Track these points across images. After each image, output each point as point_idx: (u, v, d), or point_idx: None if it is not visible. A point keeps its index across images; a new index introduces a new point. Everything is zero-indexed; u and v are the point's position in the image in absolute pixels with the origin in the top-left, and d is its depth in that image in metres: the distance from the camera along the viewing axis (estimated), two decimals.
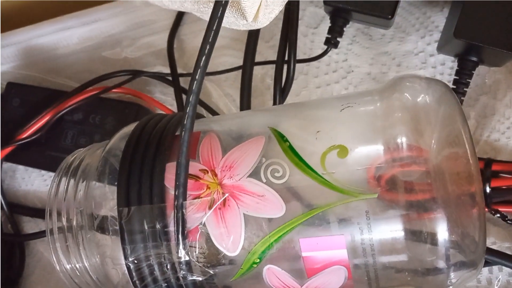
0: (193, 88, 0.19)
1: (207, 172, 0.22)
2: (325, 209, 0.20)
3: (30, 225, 0.36)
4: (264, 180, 0.21)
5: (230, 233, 0.21)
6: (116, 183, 0.23)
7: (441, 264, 0.21)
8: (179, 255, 0.21)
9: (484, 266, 0.30)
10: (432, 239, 0.20)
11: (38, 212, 0.35)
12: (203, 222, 0.21)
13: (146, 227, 0.21)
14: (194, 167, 0.22)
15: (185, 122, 0.20)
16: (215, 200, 0.21)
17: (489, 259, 0.29)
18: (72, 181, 0.25)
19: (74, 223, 0.24)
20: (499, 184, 0.28)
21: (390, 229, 0.20)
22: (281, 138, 0.22)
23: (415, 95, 0.23)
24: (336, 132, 0.22)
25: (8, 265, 0.34)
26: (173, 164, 0.22)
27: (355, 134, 0.22)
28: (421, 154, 0.21)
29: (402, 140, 0.21)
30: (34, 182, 0.37)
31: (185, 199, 0.21)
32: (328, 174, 0.20)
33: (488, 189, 0.29)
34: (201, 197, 0.21)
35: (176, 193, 0.21)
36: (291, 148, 0.21)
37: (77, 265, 0.25)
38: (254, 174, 0.21)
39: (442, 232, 0.20)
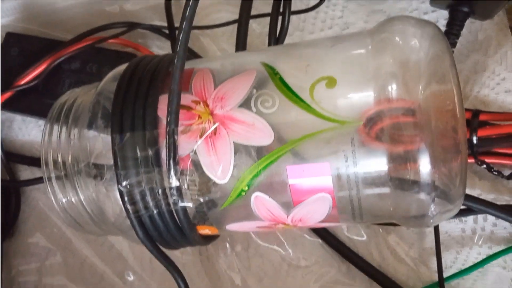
0: (187, 12, 0.20)
1: (199, 103, 0.22)
2: (311, 137, 0.21)
3: (26, 173, 0.36)
4: (254, 110, 0.22)
5: (220, 161, 0.22)
6: (109, 122, 0.23)
7: (423, 196, 0.22)
8: (170, 181, 0.22)
9: (469, 215, 0.31)
10: (415, 171, 0.21)
11: (35, 161, 0.36)
12: (194, 150, 0.22)
13: (138, 153, 0.22)
14: (186, 98, 0.23)
15: (177, 49, 0.20)
16: (206, 129, 0.22)
17: (474, 207, 0.30)
18: (64, 125, 0.26)
19: (69, 164, 0.25)
20: (485, 134, 0.29)
21: (374, 158, 0.21)
22: (272, 71, 0.22)
23: (405, 38, 0.23)
24: (325, 65, 0.22)
25: (5, 210, 0.35)
26: (166, 97, 0.22)
27: (344, 67, 0.22)
28: (408, 99, 0.21)
29: (390, 85, 0.22)
30: (31, 132, 0.37)
31: (177, 125, 0.21)
32: (316, 103, 0.21)
33: (474, 139, 0.29)
34: (193, 126, 0.22)
35: (168, 119, 0.21)
36: (281, 80, 0.22)
37: (73, 199, 0.25)
38: (245, 104, 0.22)
39: (425, 165, 0.21)
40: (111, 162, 0.23)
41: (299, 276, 0.32)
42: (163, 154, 0.22)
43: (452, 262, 0.31)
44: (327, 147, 0.21)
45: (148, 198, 0.22)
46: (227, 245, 0.33)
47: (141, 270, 0.33)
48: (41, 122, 0.37)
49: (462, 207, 0.30)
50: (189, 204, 0.23)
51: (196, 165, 0.22)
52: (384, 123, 0.21)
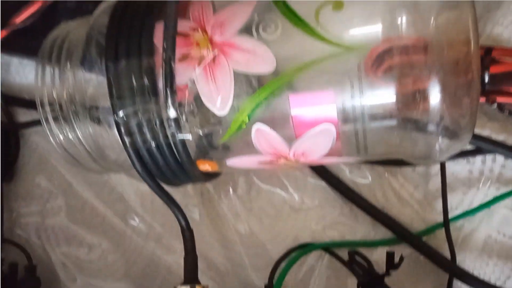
0: None
1: (197, 29, 0.21)
2: (316, 64, 0.20)
3: (25, 117, 0.36)
4: (256, 36, 0.20)
5: (220, 90, 0.21)
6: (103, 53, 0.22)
7: (431, 130, 0.21)
8: (168, 111, 0.21)
9: (478, 154, 0.30)
10: (424, 104, 0.20)
11: (34, 104, 0.35)
12: (192, 79, 0.21)
13: (134, 82, 0.21)
14: (184, 25, 0.21)
15: None
16: (204, 57, 0.21)
17: (483, 146, 0.29)
18: (57, 67, 0.25)
19: (66, 109, 0.24)
20: (498, 71, 0.28)
21: (382, 88, 0.20)
22: None
23: None
24: None
25: (4, 153, 0.34)
26: (162, 24, 0.21)
27: None
28: (419, 25, 0.20)
29: (401, 13, 0.20)
30: (28, 75, 0.36)
31: (173, 52, 0.20)
32: (321, 27, 0.20)
33: (486, 77, 0.28)
34: (191, 54, 0.21)
35: (165, 45, 0.20)
36: (284, 3, 0.21)
37: (70, 135, 0.25)
38: (246, 30, 0.21)
39: (435, 98, 0.20)
40: (106, 102, 0.22)
41: (301, 218, 0.32)
42: (160, 83, 0.21)
43: (458, 204, 0.30)
44: (332, 74, 0.20)
45: (146, 130, 0.22)
46: (230, 188, 0.32)
47: (143, 211, 0.33)
48: None
49: (471, 147, 0.30)
50: (188, 137, 0.22)
51: (195, 95, 0.21)
52: (393, 54, 0.20)
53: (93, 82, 0.23)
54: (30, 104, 0.36)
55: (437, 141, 0.22)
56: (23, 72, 0.36)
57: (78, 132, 0.24)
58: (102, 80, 0.22)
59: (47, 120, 0.25)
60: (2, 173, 0.34)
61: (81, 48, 0.24)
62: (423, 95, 0.20)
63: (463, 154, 0.30)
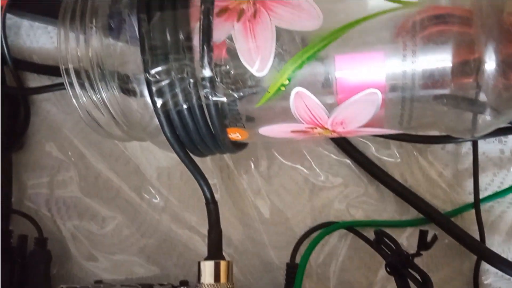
0: None
1: None
2: (367, 20, 0.18)
3: (35, 83, 0.34)
4: None
5: (260, 48, 0.19)
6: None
7: (480, 101, 0.20)
8: (203, 70, 0.19)
9: (510, 133, 0.29)
10: (478, 73, 0.19)
11: (45, 69, 0.34)
12: (230, 36, 0.20)
13: (168, 37, 0.19)
14: None
15: None
16: (244, 11, 0.19)
17: None
18: (81, 30, 0.23)
19: (93, 76, 0.22)
20: None
21: (437, 53, 0.19)
22: None
23: None
24: None
25: (13, 119, 0.33)
26: None
27: None
28: None
29: None
30: (39, 39, 0.34)
31: (212, 4, 0.19)
32: None
33: None
34: (230, 8, 0.20)
35: None
36: None
37: (95, 97, 0.23)
38: None
39: (490, 65, 0.19)
40: (134, 70, 0.20)
41: (324, 196, 0.31)
42: (196, 39, 0.20)
43: (488, 185, 0.29)
44: (384, 33, 0.19)
45: (178, 90, 0.20)
46: (251, 163, 0.31)
47: (159, 185, 0.31)
48: (50, 28, 0.34)
49: (503, 125, 0.29)
50: (223, 99, 0.20)
51: (232, 54, 0.20)
52: (448, 19, 0.18)
53: (121, 47, 0.22)
54: (41, 69, 0.34)
55: (484, 113, 0.21)
56: (34, 36, 0.35)
57: (103, 94, 0.23)
58: (130, 46, 0.20)
59: (69, 77, 0.23)
60: (11, 141, 0.32)
61: (107, 5, 0.22)
62: (477, 61, 0.19)
63: (496, 132, 0.29)
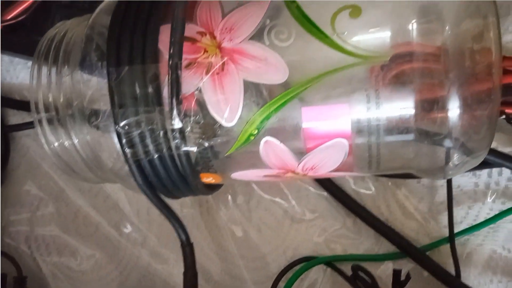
0: None
1: (205, 34, 0.20)
2: (331, 74, 0.19)
3: (15, 118, 0.34)
4: (267, 43, 0.19)
5: (228, 100, 0.20)
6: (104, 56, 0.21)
7: (447, 145, 0.20)
8: (172, 122, 0.20)
9: (484, 168, 0.29)
10: (442, 118, 0.19)
11: (24, 105, 0.34)
12: (199, 88, 0.20)
13: (137, 90, 0.20)
14: (191, 29, 0.20)
15: None
16: (212, 64, 0.20)
17: (490, 159, 0.28)
18: (54, 66, 0.23)
19: (62, 112, 0.23)
20: (509, 81, 0.27)
21: (400, 103, 0.19)
22: None
23: None
24: None
25: None
26: (168, 27, 0.20)
27: None
28: (439, 33, 0.19)
29: (419, 17, 0.19)
30: (19, 74, 0.35)
31: (180, 59, 0.19)
32: (338, 36, 0.19)
33: None
34: (198, 61, 0.20)
35: (171, 51, 0.19)
36: (298, 8, 0.19)
37: (66, 142, 0.23)
38: (257, 36, 0.20)
39: (454, 111, 0.19)
40: (107, 106, 0.21)
41: (303, 229, 0.31)
42: (165, 91, 0.20)
43: (463, 218, 0.30)
44: (348, 86, 0.19)
45: (148, 141, 0.20)
46: (229, 197, 0.31)
47: (138, 221, 0.31)
48: (30, 63, 0.34)
49: None
50: (193, 149, 0.21)
51: (201, 105, 0.20)
52: (411, 63, 0.19)
53: (93, 84, 0.22)
54: (20, 105, 0.34)
55: (452, 157, 0.21)
56: (14, 71, 0.35)
57: (74, 139, 0.23)
58: (103, 82, 0.21)
59: (41, 125, 0.24)
60: None
61: (79, 49, 0.22)
62: (441, 106, 0.19)
63: None
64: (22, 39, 0.32)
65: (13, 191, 0.33)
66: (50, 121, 0.23)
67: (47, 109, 0.23)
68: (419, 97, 0.19)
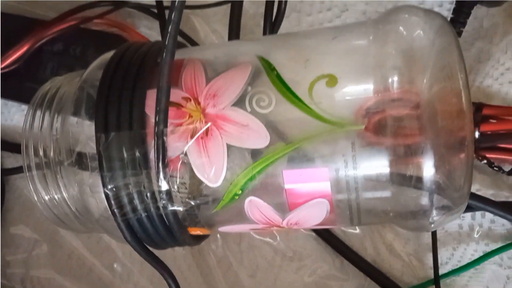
0: (176, 3, 0.18)
1: (190, 100, 0.21)
2: (310, 140, 0.20)
3: (10, 160, 0.35)
4: (249, 110, 0.20)
5: (212, 163, 0.20)
6: (94, 114, 0.22)
7: (425, 198, 0.21)
8: (159, 184, 0.20)
9: (467, 211, 0.30)
10: (418, 176, 0.20)
11: (18, 147, 0.34)
12: (184, 152, 0.21)
13: (125, 154, 0.20)
14: (176, 95, 0.21)
15: (166, 42, 0.19)
16: (197, 129, 0.20)
17: (472, 204, 0.29)
18: (47, 113, 0.24)
19: (51, 157, 0.24)
20: (488, 129, 0.28)
21: (376, 164, 0.20)
22: (269, 67, 0.21)
23: (411, 29, 0.22)
24: (326, 61, 0.21)
25: None
26: (154, 91, 0.21)
27: (346, 64, 0.21)
28: (412, 94, 0.20)
29: (393, 79, 0.20)
30: (13, 117, 0.35)
31: (166, 125, 0.20)
32: (315, 104, 0.19)
33: (477, 134, 0.28)
34: (183, 126, 0.21)
35: (157, 119, 0.20)
36: (278, 77, 0.20)
37: (56, 196, 0.24)
38: (239, 103, 0.20)
39: (429, 170, 0.20)
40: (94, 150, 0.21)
41: (292, 271, 0.31)
42: (152, 155, 0.21)
43: (448, 259, 0.30)
44: (326, 151, 0.20)
45: (136, 202, 0.21)
46: (219, 238, 0.32)
47: (131, 263, 0.32)
48: (24, 107, 0.35)
49: None
50: (180, 208, 0.21)
51: (187, 167, 0.21)
52: (386, 119, 0.20)
53: (84, 127, 0.23)
54: (15, 147, 0.35)
55: (431, 210, 0.22)
56: (8, 114, 0.36)
57: (64, 194, 0.24)
58: (91, 126, 0.21)
59: (31, 175, 0.24)
60: None
61: (72, 102, 0.23)
62: (417, 166, 0.20)
63: None
64: (15, 87, 0.32)
65: (8, 232, 0.34)
66: (39, 168, 0.24)
67: (37, 155, 0.24)
68: (393, 155, 0.20)
